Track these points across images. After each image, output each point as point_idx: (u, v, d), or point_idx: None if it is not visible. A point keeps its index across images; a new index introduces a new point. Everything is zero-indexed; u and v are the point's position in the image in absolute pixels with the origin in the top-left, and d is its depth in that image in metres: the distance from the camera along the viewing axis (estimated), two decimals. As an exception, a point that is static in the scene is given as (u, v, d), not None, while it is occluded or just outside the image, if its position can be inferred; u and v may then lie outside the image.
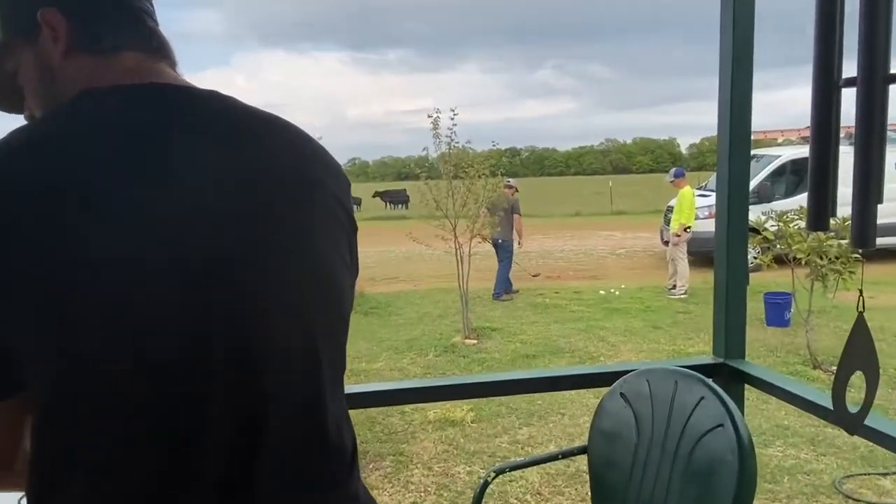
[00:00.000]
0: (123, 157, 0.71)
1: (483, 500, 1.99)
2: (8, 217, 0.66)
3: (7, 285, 0.67)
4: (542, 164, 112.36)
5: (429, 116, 6.72)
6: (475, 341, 6.53)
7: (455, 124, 6.82)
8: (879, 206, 1.23)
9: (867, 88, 1.11)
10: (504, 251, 8.78)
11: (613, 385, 2.05)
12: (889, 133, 1.39)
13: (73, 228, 0.66)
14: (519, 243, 9.11)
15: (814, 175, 1.22)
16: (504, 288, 8.90)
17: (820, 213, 1.20)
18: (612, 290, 9.07)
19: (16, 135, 0.72)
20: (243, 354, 0.73)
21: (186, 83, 0.82)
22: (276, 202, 0.78)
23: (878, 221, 1.45)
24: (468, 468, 3.79)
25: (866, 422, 1.64)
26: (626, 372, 2.07)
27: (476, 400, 4.49)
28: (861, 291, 1.49)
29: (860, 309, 1.43)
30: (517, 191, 9.27)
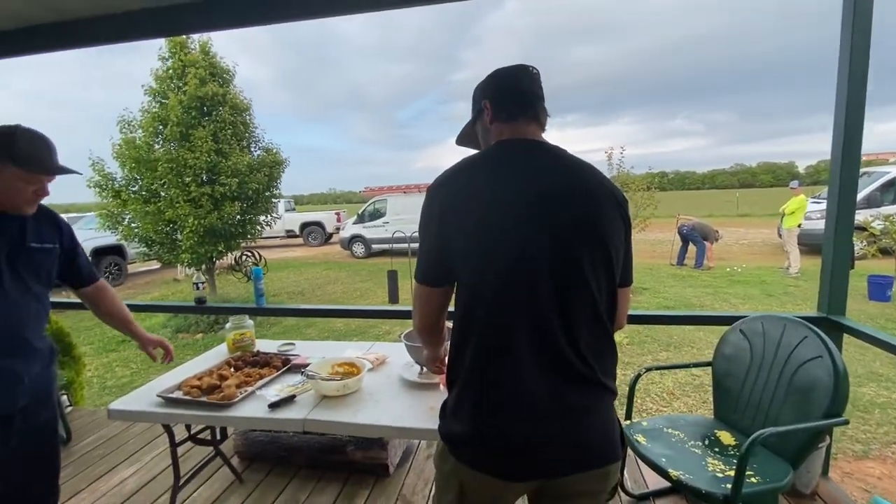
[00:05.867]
0: (495, 173, 1.33)
1: (635, 390, 2.61)
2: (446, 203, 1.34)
3: (449, 236, 1.33)
4: (683, 182, 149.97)
5: (605, 153, 10.59)
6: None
7: (623, 157, 10.36)
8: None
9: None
10: (699, 243, 12.21)
11: (734, 324, 2.52)
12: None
13: (468, 210, 1.30)
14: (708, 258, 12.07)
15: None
16: (699, 262, 12.05)
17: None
18: (736, 268, 11.46)
19: (462, 161, 1.38)
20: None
21: (537, 139, 1.41)
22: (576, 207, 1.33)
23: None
24: (624, 373, 5.28)
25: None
26: (745, 317, 2.53)
27: (631, 329, 6.72)
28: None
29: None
30: (718, 233, 12.62)
